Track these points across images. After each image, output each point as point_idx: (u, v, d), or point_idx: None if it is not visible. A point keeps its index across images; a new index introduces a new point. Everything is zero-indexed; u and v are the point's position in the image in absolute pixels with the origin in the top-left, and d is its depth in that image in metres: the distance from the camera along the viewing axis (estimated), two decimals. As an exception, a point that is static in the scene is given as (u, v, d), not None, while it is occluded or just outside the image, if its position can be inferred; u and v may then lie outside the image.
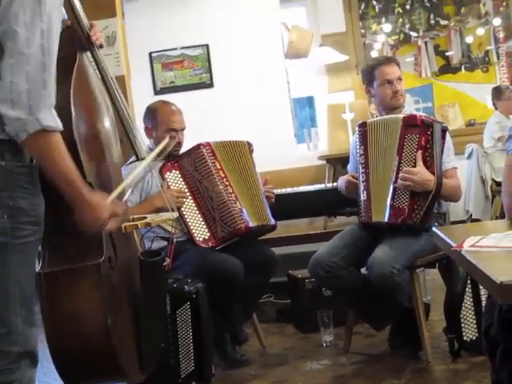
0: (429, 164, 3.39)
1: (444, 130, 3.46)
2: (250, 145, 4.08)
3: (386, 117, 3.64)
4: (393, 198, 3.47)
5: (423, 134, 3.42)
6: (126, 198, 2.43)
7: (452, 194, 3.59)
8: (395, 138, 3.50)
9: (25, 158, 1.96)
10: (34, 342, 2.01)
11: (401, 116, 3.56)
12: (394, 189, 3.47)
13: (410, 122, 3.48)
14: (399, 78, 3.71)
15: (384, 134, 3.56)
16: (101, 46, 2.52)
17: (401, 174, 3.41)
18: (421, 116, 3.53)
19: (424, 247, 3.46)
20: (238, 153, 3.98)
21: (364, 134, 3.64)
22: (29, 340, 1.98)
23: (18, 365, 1.95)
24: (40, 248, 2.21)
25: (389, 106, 3.71)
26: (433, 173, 3.38)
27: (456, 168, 3.64)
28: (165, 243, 3.47)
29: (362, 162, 3.63)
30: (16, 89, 1.83)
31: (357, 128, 3.74)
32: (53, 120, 1.89)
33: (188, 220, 3.78)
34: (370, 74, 3.76)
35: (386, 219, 3.49)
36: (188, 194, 3.81)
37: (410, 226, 3.44)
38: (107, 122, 2.51)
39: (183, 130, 3.90)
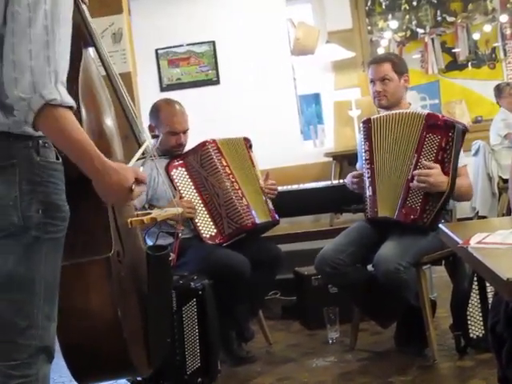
0: (445, 165, 3.36)
1: (464, 132, 3.40)
2: (247, 140, 4.07)
3: (396, 111, 3.61)
4: (406, 197, 3.45)
5: (444, 136, 3.38)
6: None
7: (465, 193, 3.58)
8: (414, 136, 3.48)
9: (54, 155, 1.97)
10: (52, 337, 2.02)
11: (424, 112, 3.53)
12: (408, 187, 3.45)
13: (433, 122, 3.44)
14: (384, 78, 3.71)
15: (397, 131, 3.54)
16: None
17: (417, 177, 3.38)
18: (443, 116, 3.50)
19: (430, 244, 3.45)
20: (239, 149, 3.98)
21: (368, 130, 3.64)
22: (47, 335, 1.99)
23: (36, 359, 1.96)
24: None
25: (374, 104, 3.79)
26: (447, 174, 3.35)
27: (466, 166, 3.63)
28: (170, 239, 3.49)
29: (367, 157, 3.63)
30: (19, 67, 1.80)
31: (361, 124, 3.74)
32: (58, 94, 1.83)
33: (195, 217, 3.78)
34: (368, 72, 3.85)
35: (395, 216, 3.48)
36: (194, 191, 3.81)
37: (419, 227, 3.43)
38: (110, 120, 2.52)
39: (186, 131, 3.88)
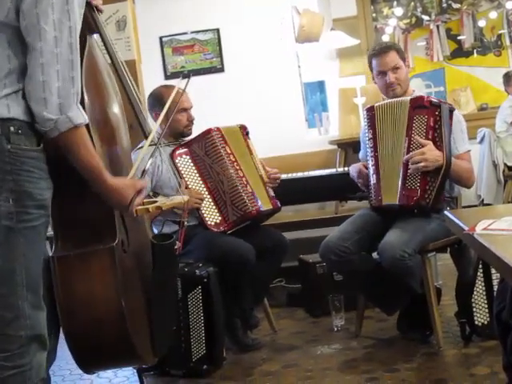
0: (438, 144, 3.40)
1: (451, 111, 3.47)
2: (243, 128, 4.06)
3: (393, 100, 3.62)
4: (404, 180, 3.47)
5: (431, 115, 3.43)
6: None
7: (465, 176, 3.57)
8: (403, 120, 3.50)
9: (32, 142, 1.97)
10: (42, 325, 2.02)
11: (408, 98, 3.55)
12: (406, 170, 3.46)
13: (418, 103, 3.49)
14: (395, 67, 3.66)
15: (392, 117, 3.56)
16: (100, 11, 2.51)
17: (412, 158, 3.40)
18: (428, 97, 3.53)
19: (435, 231, 3.46)
20: (238, 137, 3.98)
21: (372, 118, 3.65)
22: (37, 324, 2.00)
23: (27, 349, 1.97)
24: (52, 232, 2.23)
25: (388, 96, 3.72)
26: (441, 150, 3.38)
27: (469, 151, 3.63)
28: (175, 227, 3.49)
29: (371, 145, 3.63)
30: (48, 88, 1.88)
31: (364, 112, 3.73)
32: (82, 117, 1.97)
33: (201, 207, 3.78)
34: (370, 63, 3.78)
35: (397, 201, 3.49)
36: (199, 178, 3.81)
37: (422, 207, 3.43)
38: (116, 106, 2.51)
39: (191, 107, 3.92)
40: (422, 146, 3.40)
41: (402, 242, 3.35)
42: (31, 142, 1.97)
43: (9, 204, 1.91)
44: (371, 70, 3.78)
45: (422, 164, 3.37)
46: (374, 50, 3.76)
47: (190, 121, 3.89)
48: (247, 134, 4.06)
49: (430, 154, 3.37)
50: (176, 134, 3.86)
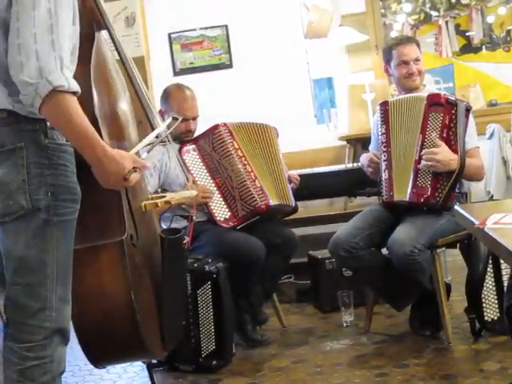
0: (452, 143, 3.39)
1: (468, 110, 3.45)
2: (275, 129, 4.07)
3: (408, 95, 3.62)
4: (416, 177, 3.46)
5: (447, 113, 3.42)
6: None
7: (475, 173, 3.57)
8: (418, 116, 3.49)
9: (63, 137, 1.99)
10: (66, 319, 2.04)
11: (425, 94, 3.54)
12: (417, 168, 3.45)
13: (435, 101, 3.48)
14: (417, 59, 3.69)
15: (407, 113, 3.55)
16: None
17: (424, 156, 3.40)
18: (445, 95, 3.52)
19: (445, 226, 3.45)
20: (260, 134, 3.97)
21: (386, 113, 3.64)
22: (62, 317, 2.02)
23: (50, 341, 1.98)
24: None
25: (405, 87, 3.72)
26: (456, 152, 3.37)
27: (478, 147, 3.63)
28: (184, 223, 3.49)
29: (384, 140, 3.62)
30: (24, 51, 1.80)
31: (378, 107, 3.72)
32: (65, 80, 1.85)
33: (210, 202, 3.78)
34: (389, 53, 3.76)
35: (407, 198, 3.48)
36: (207, 174, 3.81)
37: (432, 206, 3.43)
38: (124, 103, 2.51)
39: (195, 118, 3.89)
40: (436, 146, 3.39)
41: (411, 237, 3.35)
42: (63, 136, 1.99)
43: (48, 197, 1.93)
44: (388, 60, 3.78)
45: (431, 163, 3.37)
46: (397, 40, 3.79)
47: (188, 130, 3.86)
48: (277, 135, 4.07)
49: (442, 155, 3.36)
50: (175, 136, 3.81)
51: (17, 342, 1.98)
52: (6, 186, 1.90)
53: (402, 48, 3.70)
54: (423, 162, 3.41)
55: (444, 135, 3.42)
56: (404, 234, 3.38)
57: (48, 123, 1.94)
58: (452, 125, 3.41)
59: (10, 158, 1.91)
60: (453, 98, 3.49)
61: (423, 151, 3.43)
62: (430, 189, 3.41)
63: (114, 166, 2.03)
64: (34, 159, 1.92)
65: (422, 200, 3.43)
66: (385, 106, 3.65)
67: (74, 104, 1.89)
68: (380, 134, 3.65)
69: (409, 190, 3.48)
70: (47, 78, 1.81)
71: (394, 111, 3.60)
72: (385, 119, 3.64)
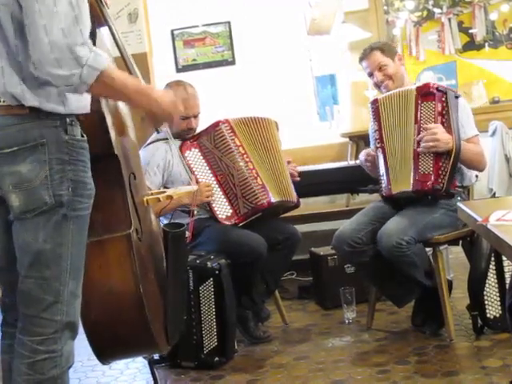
0: (447, 129, 3.42)
1: (456, 97, 3.52)
2: (275, 123, 4.06)
3: (397, 90, 3.68)
4: (417, 165, 3.48)
5: (439, 101, 3.47)
6: None
7: (476, 160, 3.57)
8: (411, 108, 3.54)
9: (81, 133, 2.03)
10: (77, 313, 2.07)
11: (413, 87, 3.59)
12: (417, 156, 3.48)
13: (425, 91, 3.52)
14: (381, 66, 3.78)
15: (398, 107, 3.61)
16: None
17: (424, 137, 3.41)
18: (434, 84, 3.56)
19: (438, 220, 3.47)
20: (261, 129, 3.95)
21: (376, 110, 3.69)
22: (72, 311, 2.04)
23: (61, 335, 2.01)
24: None
25: (382, 92, 3.82)
26: (450, 134, 3.41)
27: (478, 135, 3.65)
28: (185, 219, 3.48)
29: (377, 137, 3.67)
30: (56, 47, 1.83)
31: (369, 105, 3.77)
32: (102, 60, 1.92)
33: (212, 200, 3.77)
34: (363, 68, 3.93)
35: (411, 187, 3.49)
36: (209, 171, 3.80)
37: (436, 192, 3.43)
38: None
39: (196, 115, 3.88)
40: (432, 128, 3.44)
41: (399, 229, 3.38)
42: (80, 133, 2.03)
43: (68, 192, 1.97)
44: None
45: (431, 144, 3.39)
46: (360, 56, 3.92)
47: (189, 128, 3.85)
48: (278, 129, 4.05)
49: (441, 135, 3.40)
50: (176, 134, 3.80)
51: (28, 335, 2.00)
52: (30, 182, 1.94)
53: (365, 62, 3.86)
54: (423, 144, 3.44)
55: (438, 122, 3.47)
56: (393, 225, 3.42)
57: (68, 119, 1.98)
58: (444, 112, 3.46)
59: (33, 155, 1.94)
60: (442, 87, 3.54)
61: (421, 134, 3.45)
62: (432, 175, 3.43)
63: (167, 98, 2.20)
64: (55, 155, 1.96)
65: (426, 187, 3.44)
66: (375, 103, 3.71)
67: (115, 72, 1.98)
68: (373, 131, 3.70)
69: (411, 180, 3.49)
70: (88, 64, 1.87)
71: (384, 107, 3.65)
72: (376, 116, 3.69)
